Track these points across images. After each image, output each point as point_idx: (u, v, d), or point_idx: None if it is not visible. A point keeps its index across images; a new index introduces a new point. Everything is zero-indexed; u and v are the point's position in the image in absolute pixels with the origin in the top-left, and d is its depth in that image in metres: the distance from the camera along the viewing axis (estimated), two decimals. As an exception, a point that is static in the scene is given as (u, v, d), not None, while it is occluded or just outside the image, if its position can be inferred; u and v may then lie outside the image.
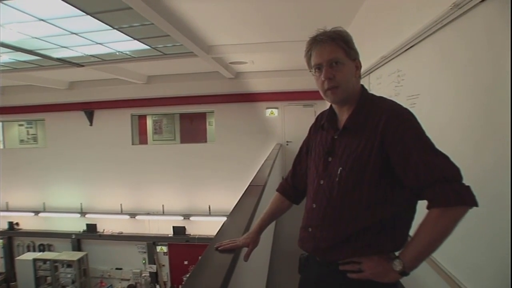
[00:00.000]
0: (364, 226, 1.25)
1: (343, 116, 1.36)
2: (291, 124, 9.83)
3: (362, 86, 1.38)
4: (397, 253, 1.23)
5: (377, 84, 3.69)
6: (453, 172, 1.15)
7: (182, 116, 11.00)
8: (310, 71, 1.37)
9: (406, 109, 1.27)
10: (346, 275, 1.26)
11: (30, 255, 10.05)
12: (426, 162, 1.16)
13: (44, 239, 11.00)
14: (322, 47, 1.30)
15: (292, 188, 1.60)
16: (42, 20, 4.83)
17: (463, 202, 1.11)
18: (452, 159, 1.17)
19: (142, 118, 11.14)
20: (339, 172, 1.29)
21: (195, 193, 10.14)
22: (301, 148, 1.58)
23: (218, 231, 1.66)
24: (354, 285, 1.25)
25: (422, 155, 1.16)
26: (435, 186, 1.14)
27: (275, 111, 9.99)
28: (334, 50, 1.29)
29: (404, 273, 1.19)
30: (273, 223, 4.70)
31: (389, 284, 1.24)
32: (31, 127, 11.77)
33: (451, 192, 1.12)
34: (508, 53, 1.52)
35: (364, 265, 1.24)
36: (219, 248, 1.44)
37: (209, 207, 9.91)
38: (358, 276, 1.24)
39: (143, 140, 11.11)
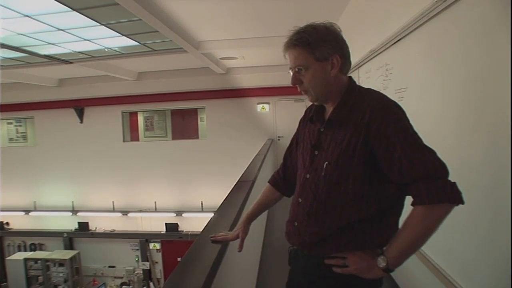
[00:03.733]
0: (350, 221, 1.23)
1: (329, 109, 1.34)
2: (282, 119, 9.80)
3: (350, 78, 1.35)
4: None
5: (366, 78, 3.69)
6: (438, 168, 1.12)
7: (174, 112, 10.92)
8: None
9: (392, 101, 1.24)
10: (332, 268, 1.26)
11: (21, 255, 9.94)
12: (409, 158, 1.12)
13: (35, 238, 10.89)
14: (288, 52, 1.31)
15: (283, 180, 1.58)
16: (27, 16, 4.74)
17: (447, 199, 1.09)
18: (441, 153, 1.14)
19: (133, 114, 11.04)
20: (324, 166, 1.26)
21: (188, 190, 10.11)
22: (291, 141, 1.56)
23: (205, 227, 1.65)
24: (340, 278, 1.25)
25: (406, 149, 1.13)
26: (419, 182, 1.11)
27: (266, 106, 9.95)
28: (297, 57, 1.28)
29: (388, 269, 1.18)
30: (265, 218, 4.70)
31: (374, 279, 1.23)
32: (20, 125, 11.59)
33: (434, 189, 1.08)
34: (497, 45, 1.51)
35: (348, 260, 1.23)
36: (211, 239, 1.47)
37: (202, 203, 9.88)
38: (343, 271, 1.24)
39: (134, 137, 11.02)
